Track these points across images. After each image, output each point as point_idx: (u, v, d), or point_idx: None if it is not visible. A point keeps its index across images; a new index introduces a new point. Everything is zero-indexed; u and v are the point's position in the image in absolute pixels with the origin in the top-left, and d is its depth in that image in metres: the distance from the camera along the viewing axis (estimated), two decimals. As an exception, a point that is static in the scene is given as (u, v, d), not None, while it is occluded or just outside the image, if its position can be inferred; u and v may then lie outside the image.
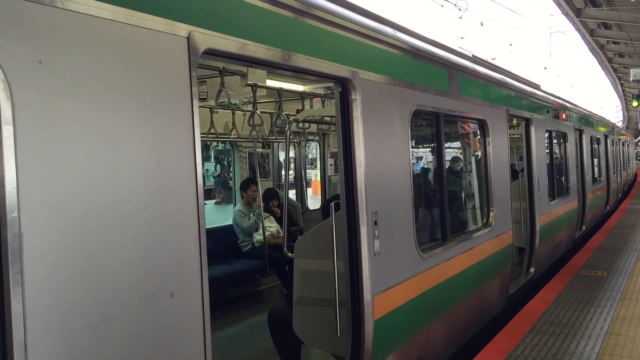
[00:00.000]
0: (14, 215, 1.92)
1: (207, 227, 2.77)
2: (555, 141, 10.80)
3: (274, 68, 3.48)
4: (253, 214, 7.74)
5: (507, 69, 9.96)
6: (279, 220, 7.92)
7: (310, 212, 9.03)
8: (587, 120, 14.25)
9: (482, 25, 28.69)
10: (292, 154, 9.26)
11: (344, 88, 3.92)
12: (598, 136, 15.87)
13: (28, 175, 1.96)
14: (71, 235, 2.10)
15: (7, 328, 1.90)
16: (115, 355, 2.24)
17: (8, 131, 1.91)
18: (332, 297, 3.86)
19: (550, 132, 10.01)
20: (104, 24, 2.25)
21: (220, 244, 7.55)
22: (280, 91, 6.10)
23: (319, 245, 4.25)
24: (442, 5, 18.18)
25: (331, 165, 9.65)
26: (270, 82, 5.55)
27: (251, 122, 6.26)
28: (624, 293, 7.17)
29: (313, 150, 12.47)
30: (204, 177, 2.81)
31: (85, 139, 2.16)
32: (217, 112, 6.80)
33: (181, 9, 2.62)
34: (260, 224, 7.63)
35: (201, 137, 2.71)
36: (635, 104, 22.05)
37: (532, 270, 8.29)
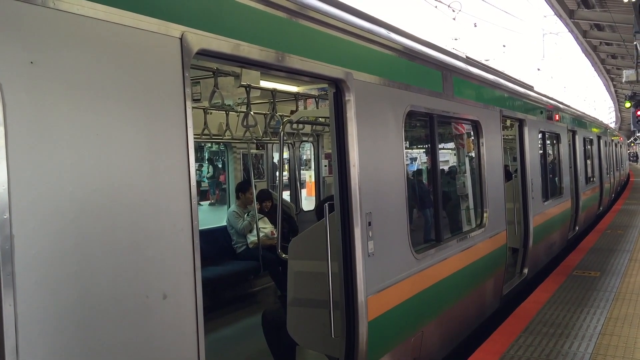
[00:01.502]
0: (5, 217, 1.90)
1: (200, 228, 2.75)
2: (548, 142, 10.84)
3: (267, 69, 3.47)
4: (247, 215, 7.73)
5: (500, 70, 9.99)
6: (272, 221, 7.91)
7: (305, 213, 9.03)
8: (580, 121, 14.31)
9: (475, 26, 28.83)
10: (286, 155, 9.26)
11: (337, 89, 3.92)
12: (591, 137, 15.94)
13: (19, 177, 1.95)
14: (63, 237, 2.08)
15: None
16: (107, 358, 2.23)
17: None
18: (326, 298, 3.86)
19: (543, 133, 10.05)
20: (97, 24, 2.24)
21: (214, 245, 7.54)
22: (274, 92, 6.09)
23: (313, 247, 4.25)
24: (436, 7, 18.22)
25: (325, 166, 9.64)
26: (264, 83, 5.54)
27: (245, 123, 6.25)
28: (617, 293, 7.20)
29: (307, 151, 12.44)
30: (198, 179, 2.80)
31: (77, 140, 2.14)
32: (210, 113, 6.79)
33: (174, 9, 2.61)
34: (255, 225, 7.62)
35: (195, 138, 2.70)
36: (628, 105, 22.15)
37: (525, 270, 8.32)
